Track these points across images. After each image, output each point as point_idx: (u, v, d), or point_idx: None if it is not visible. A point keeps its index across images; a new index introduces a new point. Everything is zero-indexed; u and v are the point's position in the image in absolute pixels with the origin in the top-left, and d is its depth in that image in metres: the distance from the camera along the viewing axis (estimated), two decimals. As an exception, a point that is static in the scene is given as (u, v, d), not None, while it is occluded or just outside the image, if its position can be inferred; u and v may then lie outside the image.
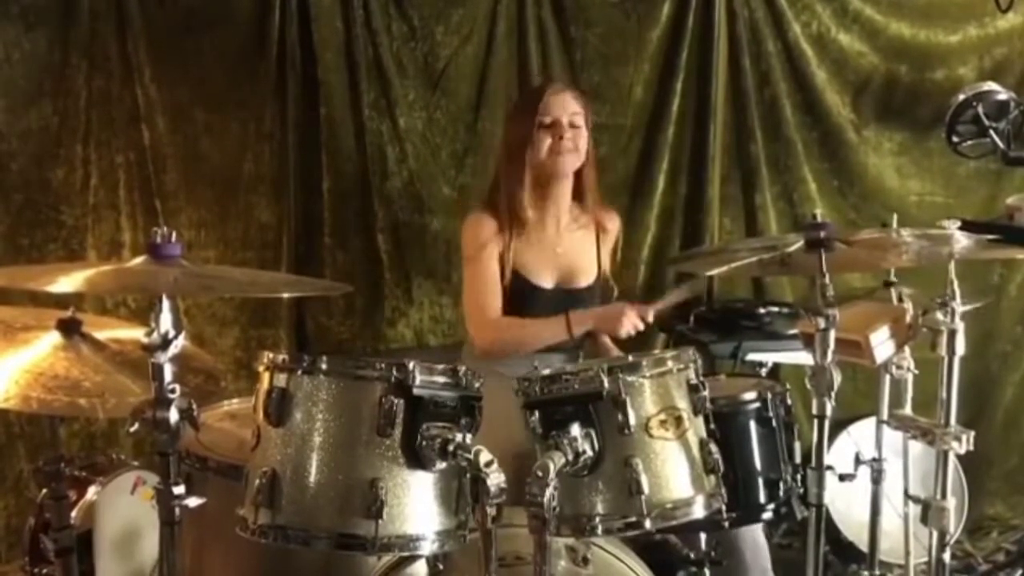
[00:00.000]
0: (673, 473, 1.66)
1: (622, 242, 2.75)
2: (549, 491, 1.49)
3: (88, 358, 1.83)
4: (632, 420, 1.62)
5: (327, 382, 1.59)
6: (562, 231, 2.58)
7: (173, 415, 1.58)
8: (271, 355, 1.64)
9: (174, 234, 1.70)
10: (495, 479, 1.48)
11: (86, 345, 1.86)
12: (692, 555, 2.31)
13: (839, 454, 2.44)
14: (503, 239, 2.49)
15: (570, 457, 1.59)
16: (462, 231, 2.57)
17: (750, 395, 2.13)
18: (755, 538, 2.41)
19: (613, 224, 2.68)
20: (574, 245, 2.60)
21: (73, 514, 2.35)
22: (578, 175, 2.56)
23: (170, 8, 3.16)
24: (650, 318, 2.48)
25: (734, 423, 2.08)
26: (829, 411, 1.92)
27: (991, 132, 3.10)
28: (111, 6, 3.10)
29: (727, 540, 2.35)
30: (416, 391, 1.57)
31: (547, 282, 2.53)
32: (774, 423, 2.12)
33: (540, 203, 2.54)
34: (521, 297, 2.49)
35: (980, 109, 3.12)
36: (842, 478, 2.14)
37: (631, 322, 2.43)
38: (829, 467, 1.96)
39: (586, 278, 2.59)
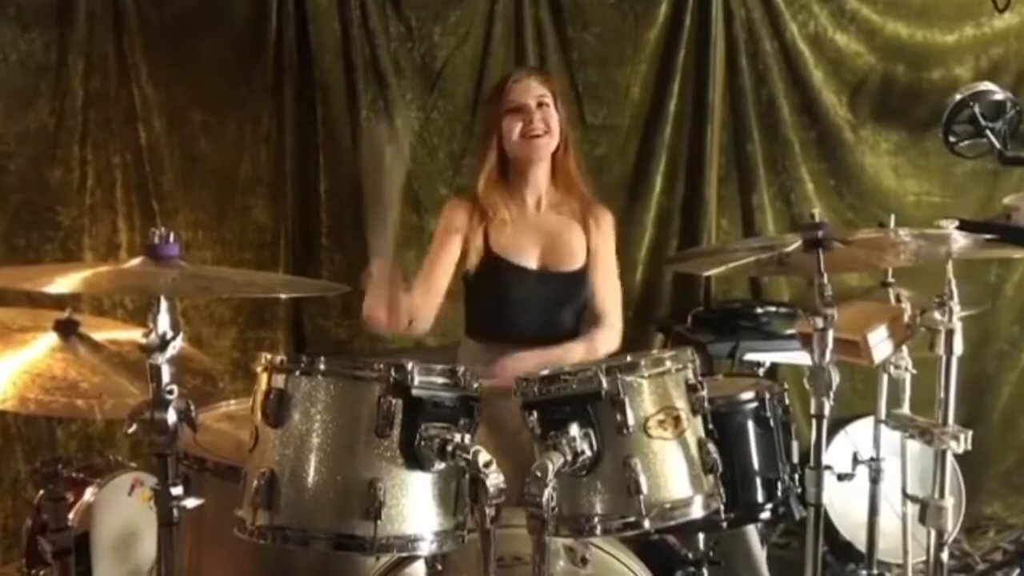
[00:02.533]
0: (671, 473, 1.65)
1: (618, 241, 2.69)
2: (548, 491, 1.49)
3: (86, 359, 1.83)
4: (631, 420, 1.62)
5: (325, 383, 1.59)
6: (543, 212, 2.54)
7: (171, 416, 1.57)
8: (269, 356, 1.64)
9: (172, 234, 1.70)
10: (494, 480, 1.48)
11: (84, 346, 1.86)
12: (690, 555, 2.31)
13: (837, 454, 2.44)
14: (471, 225, 2.48)
15: (569, 457, 1.58)
16: None
17: (748, 395, 2.13)
18: (749, 538, 2.41)
19: (604, 220, 2.58)
20: (557, 227, 2.53)
21: (71, 515, 2.34)
22: (553, 158, 2.53)
23: (167, 9, 3.16)
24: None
25: (732, 423, 2.08)
26: (827, 411, 1.92)
27: (988, 132, 3.11)
28: (107, 7, 3.10)
29: (722, 540, 2.35)
30: (415, 392, 1.56)
31: (530, 262, 2.49)
32: (772, 423, 2.11)
33: (518, 186, 2.52)
34: (504, 278, 2.46)
35: (977, 109, 3.12)
36: (841, 478, 2.14)
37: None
38: (827, 467, 1.95)
39: (572, 263, 2.51)
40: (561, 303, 2.49)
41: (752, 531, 2.42)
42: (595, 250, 2.53)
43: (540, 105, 2.45)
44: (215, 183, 3.26)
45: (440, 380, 1.61)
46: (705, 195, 3.59)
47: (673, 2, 3.50)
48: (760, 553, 2.44)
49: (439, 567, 1.81)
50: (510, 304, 2.46)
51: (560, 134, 2.48)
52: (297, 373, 1.60)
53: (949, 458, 2.03)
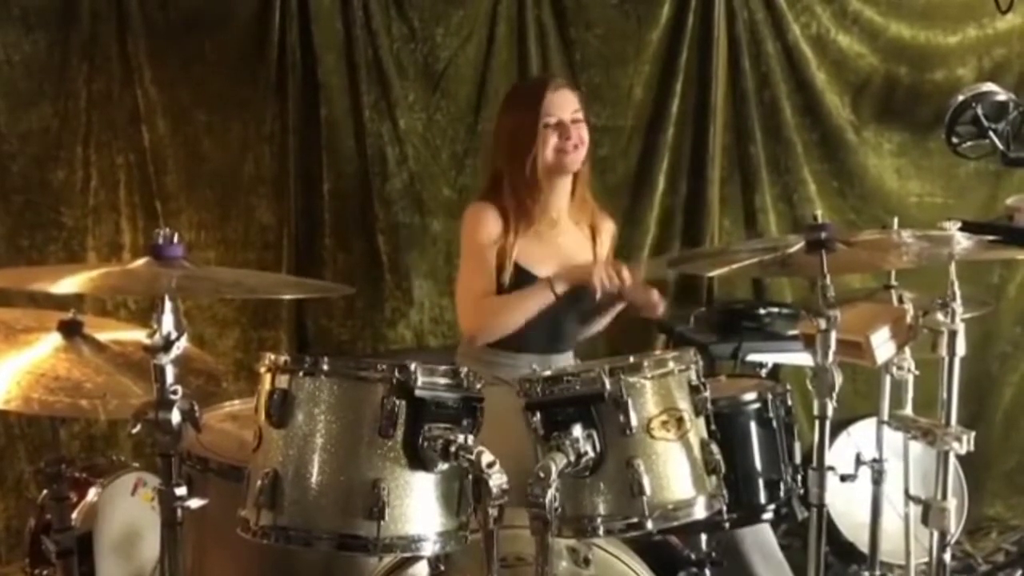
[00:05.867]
0: (674, 474, 1.66)
1: (621, 241, 2.72)
2: (551, 492, 1.49)
3: (89, 359, 1.83)
4: (634, 421, 1.63)
5: (329, 383, 1.59)
6: (562, 225, 2.58)
7: (175, 416, 1.57)
8: (273, 356, 1.64)
9: (176, 235, 1.70)
10: (497, 480, 1.48)
11: (87, 346, 1.86)
12: (693, 556, 2.31)
13: (839, 455, 2.44)
14: (508, 236, 2.47)
15: (572, 458, 1.59)
16: (464, 221, 2.54)
17: (751, 396, 2.13)
18: (759, 536, 2.41)
19: (608, 228, 2.68)
20: (573, 239, 2.59)
21: (74, 515, 2.34)
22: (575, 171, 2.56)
23: (171, 9, 3.16)
24: (625, 274, 2.39)
25: (735, 424, 2.08)
26: (830, 412, 1.92)
27: (990, 133, 3.11)
28: (111, 7, 3.10)
29: (729, 540, 2.35)
30: (418, 392, 1.57)
31: (548, 274, 2.52)
32: (775, 424, 2.12)
33: (543, 197, 2.53)
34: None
35: (979, 110, 3.12)
36: (843, 479, 2.15)
37: (601, 273, 2.36)
38: (830, 468, 1.96)
39: None
40: (570, 311, 2.52)
41: (765, 527, 2.42)
42: (599, 258, 2.60)
43: (574, 120, 2.48)
44: (218, 184, 3.26)
45: (443, 381, 1.61)
46: (708, 196, 3.59)
47: (676, 3, 3.50)
48: (775, 548, 2.44)
49: (442, 567, 1.81)
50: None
51: (587, 146, 2.51)
52: (301, 374, 1.60)
53: (951, 459, 2.03)
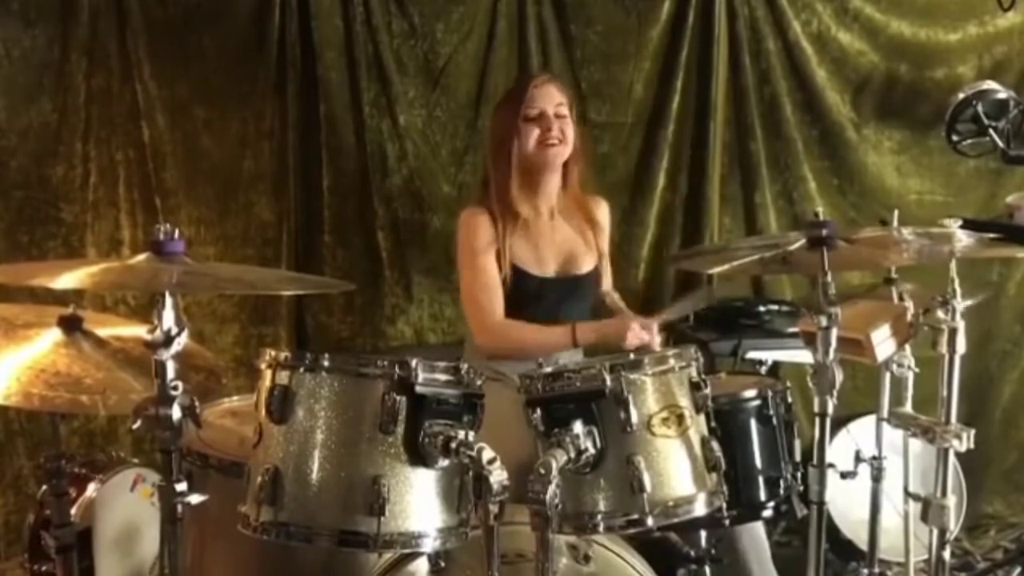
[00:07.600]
0: (675, 471, 1.66)
1: (621, 238, 2.74)
2: (551, 488, 1.49)
3: (89, 355, 1.83)
4: (634, 418, 1.62)
5: (329, 380, 1.59)
6: (556, 220, 2.58)
7: (176, 412, 1.58)
8: (274, 353, 1.64)
9: (176, 231, 1.70)
10: (497, 476, 1.48)
11: (87, 342, 1.86)
12: (693, 553, 2.31)
13: (838, 452, 2.44)
14: (500, 236, 2.48)
15: (572, 455, 1.59)
16: (458, 227, 2.55)
17: (751, 393, 2.13)
18: (753, 533, 2.41)
19: (602, 213, 2.68)
20: (569, 233, 2.60)
21: (73, 511, 2.34)
22: (564, 165, 2.56)
23: (170, 5, 3.16)
24: (655, 330, 2.43)
25: (735, 421, 2.08)
26: (830, 409, 1.92)
27: (991, 131, 3.10)
28: (111, 3, 3.09)
29: (726, 537, 2.35)
30: (419, 389, 1.57)
31: (549, 271, 2.53)
32: (774, 421, 2.12)
33: (531, 195, 2.54)
34: (525, 289, 2.48)
35: (980, 108, 3.12)
36: (843, 476, 2.15)
37: (636, 335, 2.39)
38: (830, 465, 1.96)
39: (585, 265, 2.59)
40: (574, 303, 2.53)
41: (757, 526, 2.42)
42: (601, 248, 2.63)
43: (558, 115, 2.47)
44: (218, 180, 3.26)
45: (444, 377, 1.61)
46: (708, 193, 3.58)
47: (676, 0, 3.50)
48: (766, 548, 2.45)
49: (442, 564, 1.81)
50: (526, 313, 2.48)
51: (572, 144, 2.50)
52: (301, 370, 1.60)
53: (951, 457, 2.03)
